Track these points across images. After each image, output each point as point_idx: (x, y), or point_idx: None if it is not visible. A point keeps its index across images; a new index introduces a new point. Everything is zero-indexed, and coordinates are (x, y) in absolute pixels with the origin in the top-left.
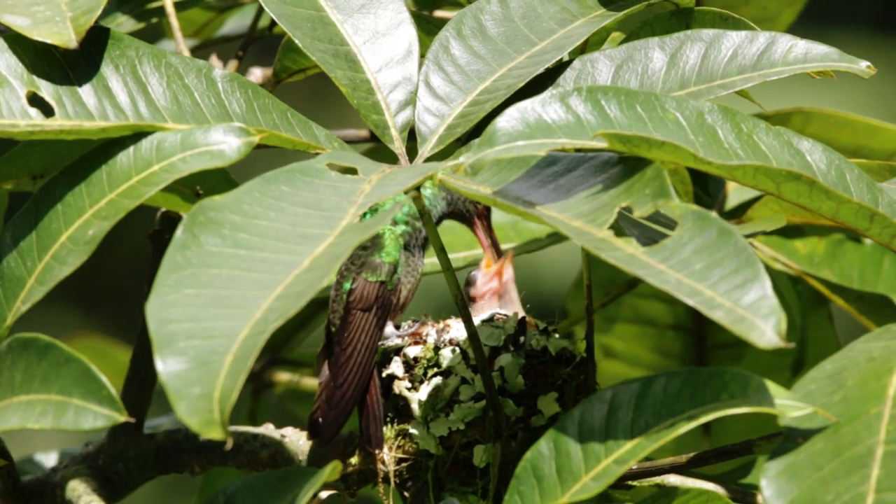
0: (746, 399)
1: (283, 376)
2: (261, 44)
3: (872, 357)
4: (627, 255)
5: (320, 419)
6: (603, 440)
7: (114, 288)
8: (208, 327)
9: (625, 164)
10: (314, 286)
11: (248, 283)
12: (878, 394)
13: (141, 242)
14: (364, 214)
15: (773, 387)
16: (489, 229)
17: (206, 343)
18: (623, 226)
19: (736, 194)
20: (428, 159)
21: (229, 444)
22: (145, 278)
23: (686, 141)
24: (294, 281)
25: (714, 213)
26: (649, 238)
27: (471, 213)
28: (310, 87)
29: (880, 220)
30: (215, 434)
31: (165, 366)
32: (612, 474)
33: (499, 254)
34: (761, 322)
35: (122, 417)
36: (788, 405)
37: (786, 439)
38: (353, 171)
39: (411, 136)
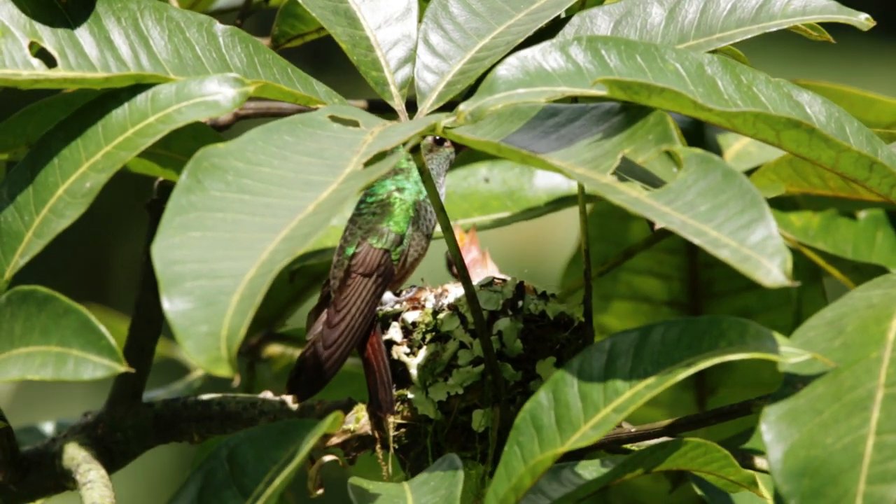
0: (744, 346)
1: (278, 350)
2: (258, 17)
3: (872, 303)
4: (632, 197)
5: (302, 376)
6: (602, 389)
7: (112, 272)
8: (215, 268)
9: (626, 113)
10: (319, 228)
11: (254, 227)
12: (878, 338)
13: (140, 225)
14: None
15: (772, 333)
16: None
17: (212, 283)
18: (626, 175)
19: (733, 165)
20: (429, 115)
21: (236, 381)
22: (143, 249)
23: (686, 90)
24: (299, 224)
25: (717, 157)
26: (653, 186)
27: (451, 156)
28: (306, 62)
29: (880, 169)
30: (223, 371)
31: (172, 305)
32: (610, 422)
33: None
34: (767, 261)
35: (121, 368)
36: (787, 351)
37: (785, 385)
38: (354, 124)
39: (411, 108)
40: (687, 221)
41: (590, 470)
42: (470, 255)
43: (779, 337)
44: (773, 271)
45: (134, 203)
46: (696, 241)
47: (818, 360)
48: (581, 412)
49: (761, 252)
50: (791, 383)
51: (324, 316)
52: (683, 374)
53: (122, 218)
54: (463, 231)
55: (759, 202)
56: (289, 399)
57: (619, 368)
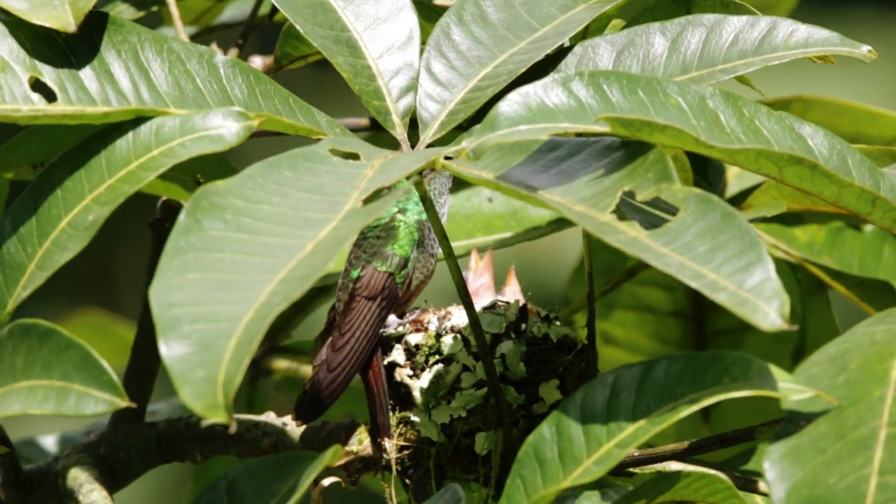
0: (748, 382)
1: (282, 364)
2: (261, 31)
3: (875, 340)
4: (630, 238)
5: (306, 400)
6: (605, 424)
7: (114, 278)
8: (212, 311)
9: (627, 149)
10: (318, 270)
11: (252, 267)
12: (881, 376)
13: (142, 229)
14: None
15: (774, 370)
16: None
17: (209, 327)
18: (625, 211)
19: (736, 182)
20: (430, 145)
21: (233, 428)
22: (146, 268)
23: (688, 125)
24: (297, 265)
25: (717, 197)
26: (651, 224)
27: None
28: (309, 76)
29: (882, 205)
30: (220, 418)
31: (169, 349)
32: (614, 458)
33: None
34: (765, 304)
35: (123, 403)
36: (791, 388)
37: (788, 422)
38: (355, 157)
39: (412, 125)
40: (685, 263)
41: (593, 501)
42: (480, 281)
43: (782, 373)
44: (770, 315)
45: (137, 210)
46: (694, 284)
47: (821, 397)
48: (584, 447)
49: (759, 295)
50: (794, 421)
51: (329, 340)
52: (687, 410)
53: (126, 222)
54: (478, 253)
55: (757, 244)
56: (290, 420)
57: (622, 403)
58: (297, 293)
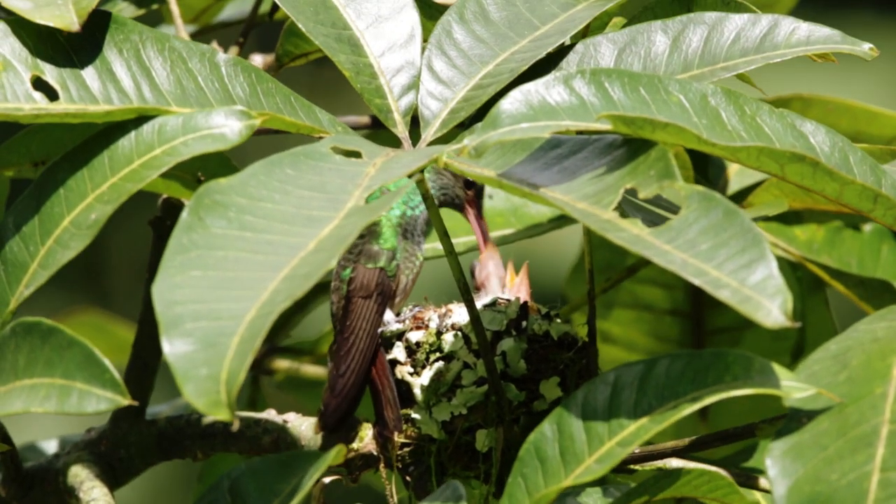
0: (750, 380)
1: (283, 364)
2: (261, 30)
3: (877, 337)
4: (633, 235)
5: (327, 410)
6: (606, 422)
7: (114, 276)
8: (215, 309)
9: (629, 146)
10: (321, 268)
11: (255, 265)
12: (883, 374)
13: (142, 228)
14: (369, 198)
15: (776, 368)
16: (479, 217)
17: (212, 325)
18: (627, 210)
19: (737, 180)
20: (431, 143)
21: (235, 426)
22: (146, 265)
23: (690, 123)
24: (300, 263)
25: (719, 194)
26: (653, 222)
27: (461, 200)
28: (309, 75)
29: (884, 202)
30: (222, 415)
31: (172, 347)
32: (615, 456)
33: (486, 240)
34: (767, 301)
35: (125, 401)
36: (793, 386)
37: (790, 420)
38: (357, 155)
39: (414, 123)
40: (688, 261)
41: (594, 498)
42: (485, 271)
43: (784, 371)
44: (773, 312)
45: (138, 209)
46: (697, 281)
47: (823, 394)
48: (585, 444)
49: (762, 293)
50: (796, 418)
51: (334, 347)
52: (689, 409)
53: (126, 223)
54: (513, 267)
55: (760, 241)
56: (291, 417)
57: (623, 401)
58: (301, 291)
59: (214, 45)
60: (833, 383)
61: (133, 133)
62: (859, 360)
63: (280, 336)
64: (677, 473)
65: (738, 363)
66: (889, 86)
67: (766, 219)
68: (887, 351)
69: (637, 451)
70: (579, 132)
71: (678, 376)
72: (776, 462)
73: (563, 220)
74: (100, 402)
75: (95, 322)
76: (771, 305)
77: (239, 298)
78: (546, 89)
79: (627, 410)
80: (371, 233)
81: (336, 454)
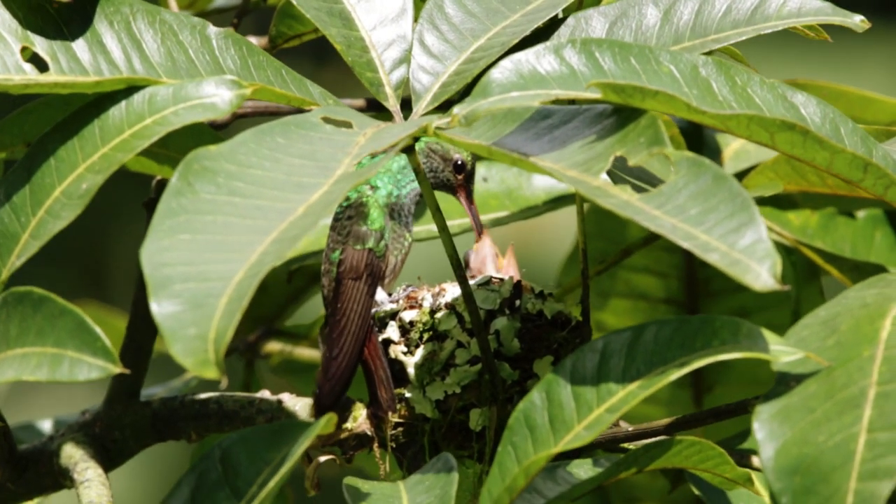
0: (738, 345)
1: (277, 347)
2: (255, 16)
3: (866, 303)
4: (622, 201)
5: (321, 393)
6: (595, 388)
7: (111, 267)
8: (203, 270)
9: (619, 115)
10: (307, 230)
11: (243, 229)
12: (871, 337)
13: (137, 220)
14: (357, 166)
15: (765, 332)
16: (470, 201)
17: (201, 286)
18: (618, 179)
19: (732, 164)
20: (423, 117)
21: (224, 383)
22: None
23: (680, 92)
24: (289, 226)
25: (708, 160)
26: (643, 189)
27: (452, 183)
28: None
29: (874, 171)
30: (210, 373)
31: (160, 308)
32: (604, 423)
33: (478, 224)
34: (756, 265)
35: (116, 369)
36: (781, 350)
37: (778, 383)
38: (347, 125)
39: (406, 106)
40: (677, 225)
41: (585, 469)
42: (481, 257)
43: (772, 336)
44: (762, 275)
45: (131, 199)
46: (686, 244)
47: (811, 358)
48: (574, 412)
49: (751, 256)
50: (784, 382)
51: (326, 329)
52: (677, 373)
53: (120, 214)
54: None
55: (749, 206)
56: (286, 398)
57: (612, 368)
58: (289, 251)
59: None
60: (822, 348)
61: (123, 103)
62: (848, 325)
63: (276, 321)
64: (668, 444)
65: (727, 328)
66: (888, 82)
67: (761, 202)
68: (876, 315)
69: (630, 428)
70: (570, 101)
71: (666, 342)
72: (763, 425)
73: (557, 203)
74: (91, 370)
75: (93, 313)
76: (760, 268)
77: (227, 261)
78: (536, 59)
79: (616, 377)
80: (358, 214)
81: (326, 423)
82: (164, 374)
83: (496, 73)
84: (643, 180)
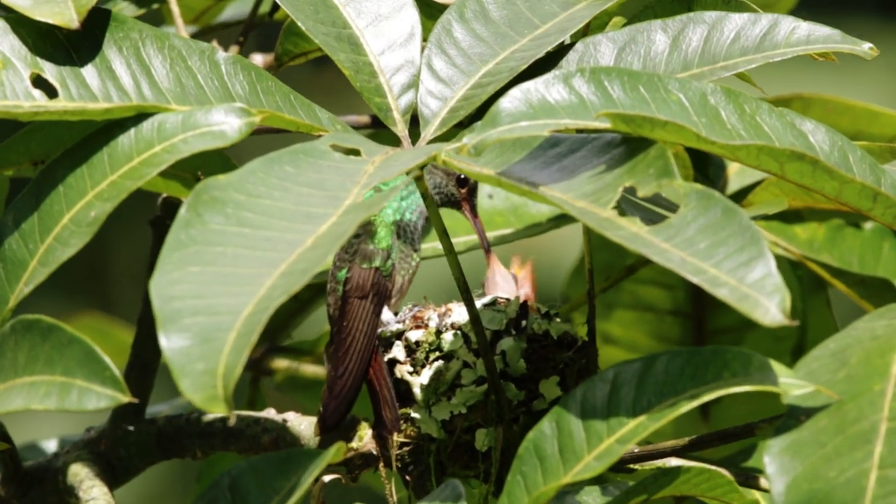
0: (748, 377)
1: (282, 364)
2: (261, 30)
3: (876, 335)
4: (632, 233)
5: (325, 412)
6: (605, 419)
7: (115, 279)
8: (212, 304)
9: (628, 145)
10: (317, 264)
11: (252, 261)
12: (882, 371)
13: (142, 229)
14: (366, 196)
15: (775, 365)
16: (474, 215)
17: (210, 320)
18: (626, 208)
19: (737, 179)
20: (431, 142)
21: (232, 420)
22: (146, 265)
23: (689, 121)
24: (298, 259)
25: (718, 193)
26: (652, 221)
27: (456, 198)
28: (308, 75)
29: (883, 200)
30: (219, 409)
31: (169, 342)
32: (614, 453)
33: (483, 237)
34: (765, 300)
35: (125, 398)
36: (791, 383)
37: (788, 417)
38: (356, 153)
39: (414, 122)
40: (686, 259)
41: (594, 497)
42: (522, 291)
43: (782, 368)
44: (771, 310)
45: (137, 209)
46: (695, 279)
47: (822, 392)
48: (584, 442)
49: (760, 291)
50: (794, 415)
51: (331, 347)
52: (687, 406)
53: (126, 224)
54: (519, 261)
55: (758, 239)
56: (290, 416)
57: (622, 399)
58: (297, 286)
59: (214, 44)
60: (832, 381)
61: (133, 130)
62: (858, 358)
63: (280, 336)
64: (676, 472)
65: (737, 360)
66: (890, 87)
67: (767, 217)
68: (886, 349)
69: (636, 450)
70: (578, 131)
71: (677, 373)
72: (774, 459)
73: (562, 220)
74: (100, 399)
75: (96, 325)
76: (769, 303)
77: (236, 294)
78: (545, 88)
79: (626, 408)
80: (366, 233)
81: (336, 452)
82: (169, 391)
83: (505, 103)
84: (652, 212)
